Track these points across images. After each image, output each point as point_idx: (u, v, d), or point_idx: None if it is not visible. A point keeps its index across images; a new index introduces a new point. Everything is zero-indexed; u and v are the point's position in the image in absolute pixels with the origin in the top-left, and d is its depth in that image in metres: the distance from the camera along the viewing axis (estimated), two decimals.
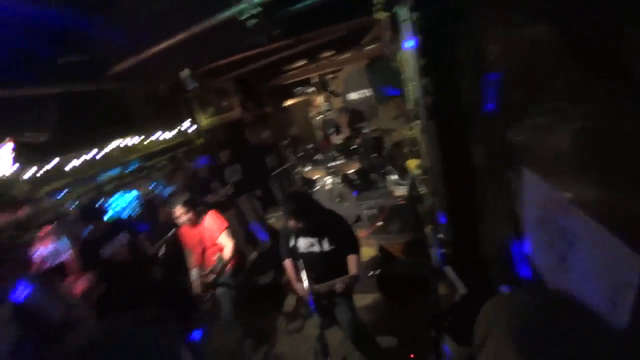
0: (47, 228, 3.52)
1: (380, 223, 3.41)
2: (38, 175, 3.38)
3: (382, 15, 2.31)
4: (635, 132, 0.48)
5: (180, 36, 2.68)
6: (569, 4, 0.62)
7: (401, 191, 3.44)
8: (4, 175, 3.00)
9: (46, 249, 3.63)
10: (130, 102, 4.62)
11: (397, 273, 3.42)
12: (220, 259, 2.65)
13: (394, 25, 2.23)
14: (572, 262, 0.67)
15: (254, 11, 2.14)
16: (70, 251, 3.57)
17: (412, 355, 2.72)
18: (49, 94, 2.78)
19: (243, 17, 2.17)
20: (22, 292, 2.21)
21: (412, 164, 3.11)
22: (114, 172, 4.50)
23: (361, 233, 3.26)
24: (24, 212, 3.24)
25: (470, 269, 1.65)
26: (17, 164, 3.11)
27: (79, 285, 3.36)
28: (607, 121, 0.54)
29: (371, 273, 2.14)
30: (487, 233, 1.49)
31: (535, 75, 0.80)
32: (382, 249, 2.44)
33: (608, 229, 0.55)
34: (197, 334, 3.32)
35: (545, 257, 0.80)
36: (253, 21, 2.35)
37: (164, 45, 2.74)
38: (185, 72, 2.87)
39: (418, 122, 2.28)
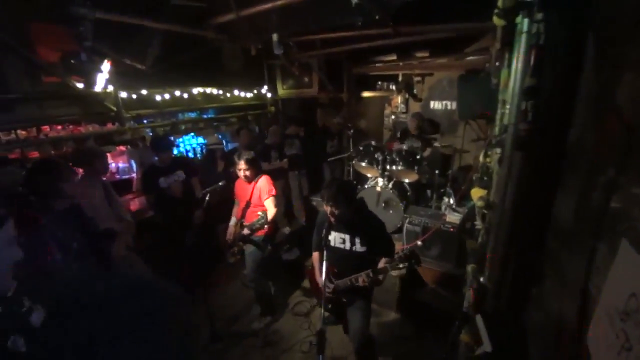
0: (124, 148, 3.98)
1: (419, 243, 3.18)
2: (128, 98, 3.79)
3: (499, 22, 2.05)
4: None
5: (281, 1, 2.71)
6: None
7: (454, 218, 3.15)
8: (98, 92, 3.42)
9: (119, 164, 4.14)
10: (222, 55, 4.92)
11: (422, 299, 3.20)
12: (263, 217, 2.75)
13: (508, 38, 1.96)
14: None
15: None
16: (137, 173, 4.02)
17: None
18: (156, 29, 3.03)
19: None
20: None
21: (477, 193, 2.80)
22: (191, 114, 4.89)
23: (398, 246, 3.08)
24: (110, 127, 3.69)
25: (504, 330, 1.43)
26: (112, 85, 3.52)
27: (135, 203, 3.78)
28: None
29: (396, 263, 1.98)
30: (541, 302, 1.26)
31: None
32: (413, 251, 2.19)
33: None
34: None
35: (611, 357, 0.62)
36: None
37: (265, 6, 2.79)
38: (275, 36, 2.91)
39: (498, 150, 2.02)
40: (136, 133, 3.98)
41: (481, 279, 1.82)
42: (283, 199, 4.52)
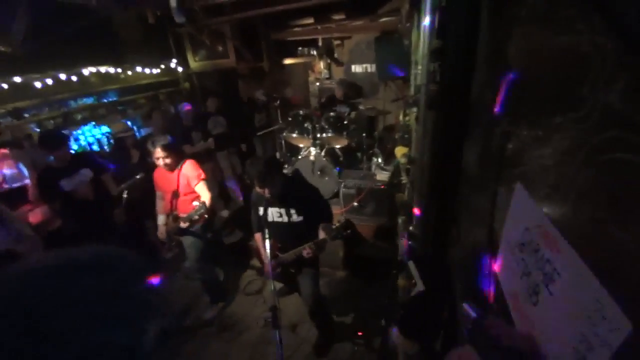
0: (5, 150, 3.26)
1: (356, 204, 3.37)
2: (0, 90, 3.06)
3: None
4: None
5: None
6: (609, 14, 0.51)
7: (383, 176, 3.39)
8: None
9: (4, 171, 3.39)
10: (114, 25, 4.19)
11: (363, 254, 3.47)
12: (202, 206, 2.57)
13: None
14: (545, 298, 0.62)
15: None
16: (29, 178, 3.36)
17: (359, 333, 2.83)
18: None
19: None
20: None
21: (400, 151, 3.03)
22: (87, 100, 4.18)
23: (336, 211, 3.22)
24: None
25: (433, 269, 1.64)
26: None
27: (36, 214, 3.19)
28: (631, 156, 0.46)
29: (335, 234, 2.13)
30: (460, 239, 1.46)
31: (559, 87, 0.69)
32: (348, 220, 2.40)
33: (600, 279, 0.48)
34: (155, 280, 3.28)
35: (515, 283, 0.74)
36: None
37: None
38: (173, 1, 2.54)
39: (415, 109, 2.16)
40: (18, 131, 3.28)
41: (410, 228, 2.02)
42: (215, 182, 4.29)
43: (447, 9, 1.28)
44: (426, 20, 1.50)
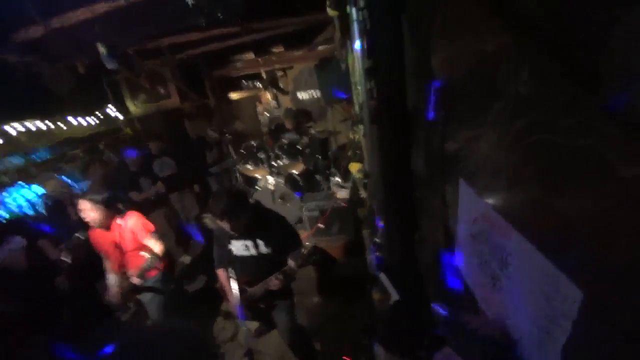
0: None
1: (321, 225, 3.36)
2: None
3: (333, 13, 2.25)
4: (580, 148, 0.44)
5: (103, 7, 2.31)
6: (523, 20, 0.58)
7: (343, 194, 3.44)
8: None
9: None
10: (41, 78, 3.91)
11: (337, 274, 3.42)
12: (153, 258, 2.35)
13: (345, 26, 2.18)
14: (505, 283, 0.64)
15: None
16: None
17: (345, 358, 2.72)
18: None
19: None
20: None
21: (355, 167, 3.12)
22: (14, 160, 3.78)
23: (302, 235, 3.17)
24: None
25: (404, 276, 1.65)
26: None
27: None
28: (549, 135, 0.50)
29: (303, 262, 2.05)
30: (423, 242, 1.50)
31: (477, 86, 0.76)
32: (315, 246, 2.36)
33: (545, 254, 0.51)
34: (109, 348, 2.90)
35: (477, 274, 0.77)
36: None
37: (82, 15, 2.33)
38: (102, 49, 2.45)
39: (361, 126, 2.26)
40: None
41: (376, 240, 2.04)
42: (170, 227, 4.03)
43: (373, 31, 1.38)
44: (357, 44, 1.61)
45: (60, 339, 2.61)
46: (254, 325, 2.70)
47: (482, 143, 0.78)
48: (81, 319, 2.64)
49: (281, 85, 5.63)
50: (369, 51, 1.48)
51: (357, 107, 2.83)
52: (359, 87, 1.91)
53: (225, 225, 1.96)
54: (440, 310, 0.86)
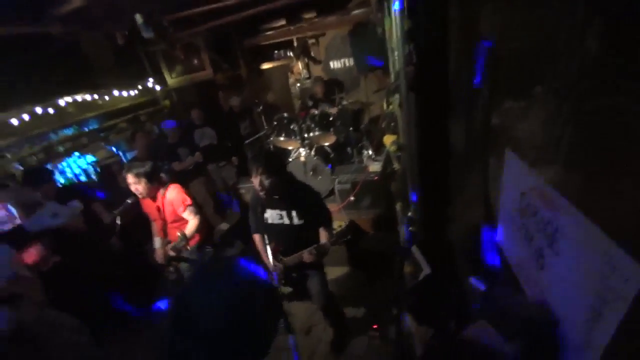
0: None
1: (352, 198, 3.36)
2: None
3: None
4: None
5: None
6: None
7: (375, 167, 3.38)
8: None
9: None
10: (84, 51, 4.11)
11: (367, 248, 3.45)
12: (183, 237, 2.47)
13: None
14: (551, 260, 0.61)
15: None
16: (18, 219, 3.27)
17: (374, 326, 2.82)
18: None
19: None
20: None
21: (388, 140, 3.03)
22: (67, 131, 4.09)
23: (333, 208, 3.20)
24: None
25: (437, 251, 1.63)
26: None
27: (28, 256, 3.10)
28: (602, 109, 0.44)
29: (336, 240, 2.09)
30: (458, 217, 1.45)
31: (531, 54, 0.69)
32: (351, 223, 2.41)
33: (603, 230, 0.47)
34: (162, 304, 3.22)
35: (520, 250, 0.73)
36: None
37: None
38: (139, 17, 2.49)
39: (397, 96, 2.16)
40: (0, 172, 3.20)
41: (409, 214, 2.01)
42: (209, 196, 4.23)
43: None
44: (396, 4, 1.50)
45: (115, 293, 2.92)
46: (286, 290, 2.85)
47: (535, 111, 0.71)
48: (132, 275, 2.93)
49: (313, 54, 5.47)
50: (409, 10, 1.37)
51: (393, 76, 2.69)
52: (397, 53, 1.80)
53: (263, 183, 1.98)
54: (477, 284, 0.84)
